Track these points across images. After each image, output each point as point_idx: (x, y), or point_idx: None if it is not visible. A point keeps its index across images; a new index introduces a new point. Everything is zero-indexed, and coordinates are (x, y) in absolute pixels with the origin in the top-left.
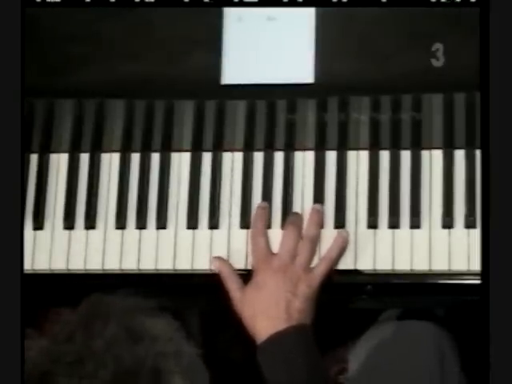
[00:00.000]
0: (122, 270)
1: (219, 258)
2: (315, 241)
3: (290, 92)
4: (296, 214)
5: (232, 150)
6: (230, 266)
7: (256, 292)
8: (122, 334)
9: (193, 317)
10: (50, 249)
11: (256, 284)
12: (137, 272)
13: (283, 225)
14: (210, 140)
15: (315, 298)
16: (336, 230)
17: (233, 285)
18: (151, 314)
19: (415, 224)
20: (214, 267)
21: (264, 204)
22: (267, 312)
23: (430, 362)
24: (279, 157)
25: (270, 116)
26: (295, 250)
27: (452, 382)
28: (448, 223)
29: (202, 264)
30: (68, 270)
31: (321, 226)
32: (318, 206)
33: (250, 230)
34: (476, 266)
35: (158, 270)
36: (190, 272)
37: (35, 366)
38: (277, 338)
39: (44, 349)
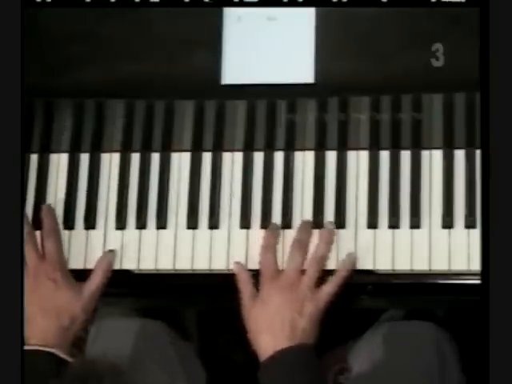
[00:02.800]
0: (122, 269)
1: (239, 263)
2: (324, 260)
3: (290, 92)
4: (305, 223)
5: (232, 150)
6: (248, 273)
7: (261, 308)
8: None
9: (191, 319)
10: None
11: (262, 300)
12: (137, 272)
13: (283, 225)
14: (210, 140)
15: (320, 318)
16: (336, 230)
17: (247, 291)
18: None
19: (415, 224)
20: (234, 270)
21: (275, 225)
22: (271, 329)
23: (430, 362)
24: (279, 157)
25: (270, 116)
26: (302, 267)
27: (452, 382)
28: (448, 223)
29: (202, 264)
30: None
31: (331, 245)
32: (329, 223)
33: (250, 231)
34: (476, 266)
35: (158, 270)
36: (190, 272)
37: None
38: (279, 357)
39: None
